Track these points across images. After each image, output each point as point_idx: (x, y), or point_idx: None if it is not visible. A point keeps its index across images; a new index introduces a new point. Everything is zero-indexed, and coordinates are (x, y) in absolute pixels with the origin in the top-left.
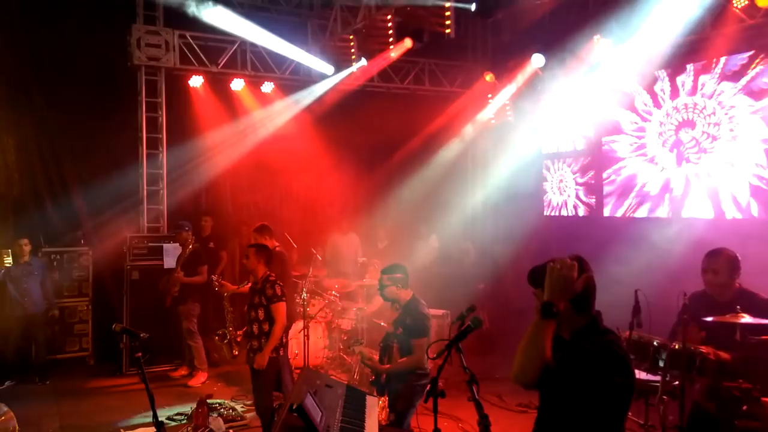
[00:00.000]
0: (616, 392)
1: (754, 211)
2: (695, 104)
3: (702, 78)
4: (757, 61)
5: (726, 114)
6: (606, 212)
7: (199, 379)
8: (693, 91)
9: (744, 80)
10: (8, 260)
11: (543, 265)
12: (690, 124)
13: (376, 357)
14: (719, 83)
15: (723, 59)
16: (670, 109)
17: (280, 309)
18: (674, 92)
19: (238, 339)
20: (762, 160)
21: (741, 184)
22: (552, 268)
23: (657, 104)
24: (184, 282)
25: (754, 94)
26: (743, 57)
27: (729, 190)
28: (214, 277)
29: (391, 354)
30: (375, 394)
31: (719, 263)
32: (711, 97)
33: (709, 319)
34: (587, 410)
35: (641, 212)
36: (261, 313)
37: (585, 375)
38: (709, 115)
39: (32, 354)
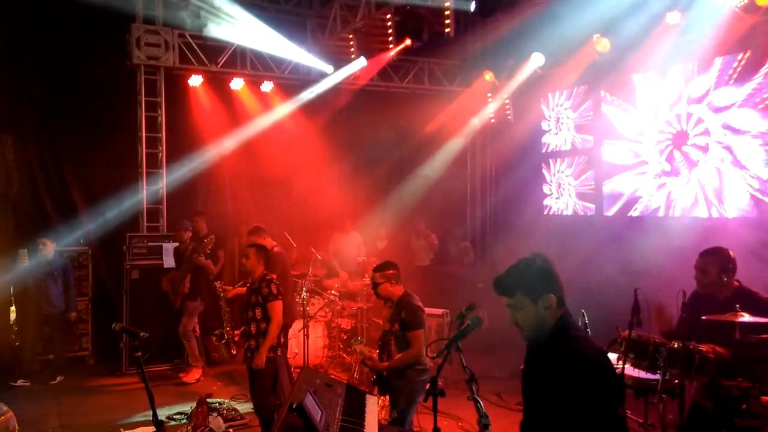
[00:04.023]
0: (596, 404)
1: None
2: (677, 112)
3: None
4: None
5: (708, 119)
6: (606, 212)
7: (194, 376)
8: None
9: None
10: (25, 259)
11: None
12: (683, 135)
13: (376, 355)
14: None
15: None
16: (666, 113)
17: (277, 307)
18: (676, 95)
19: (236, 339)
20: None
21: (738, 183)
22: None
23: (656, 106)
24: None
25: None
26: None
27: (727, 188)
28: (218, 284)
29: (390, 351)
30: (376, 393)
31: (707, 263)
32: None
33: (707, 317)
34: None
35: (641, 212)
36: (258, 312)
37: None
38: (697, 124)
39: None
